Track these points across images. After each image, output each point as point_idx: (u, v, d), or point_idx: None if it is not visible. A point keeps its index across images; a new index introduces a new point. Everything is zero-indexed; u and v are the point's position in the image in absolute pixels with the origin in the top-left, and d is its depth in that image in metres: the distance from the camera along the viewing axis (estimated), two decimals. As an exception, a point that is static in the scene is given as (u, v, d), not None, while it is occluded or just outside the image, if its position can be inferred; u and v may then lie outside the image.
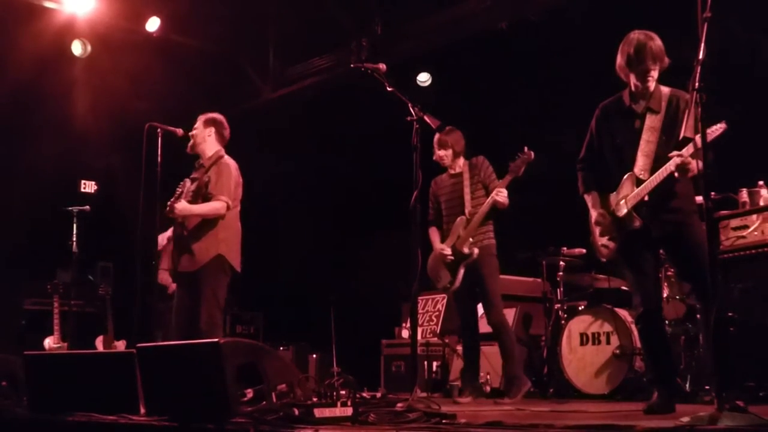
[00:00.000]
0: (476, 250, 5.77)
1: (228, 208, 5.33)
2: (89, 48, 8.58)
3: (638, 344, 6.15)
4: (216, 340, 3.48)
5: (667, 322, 6.16)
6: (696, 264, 3.92)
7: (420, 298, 7.83)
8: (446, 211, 6.05)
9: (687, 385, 5.71)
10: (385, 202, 8.01)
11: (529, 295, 7.54)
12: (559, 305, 6.86)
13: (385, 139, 7.70)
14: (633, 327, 6.22)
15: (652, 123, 4.11)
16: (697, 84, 3.27)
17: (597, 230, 4.32)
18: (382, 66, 4.64)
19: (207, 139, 5.56)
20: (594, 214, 4.34)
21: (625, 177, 4.16)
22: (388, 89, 4.53)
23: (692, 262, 4.00)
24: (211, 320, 5.15)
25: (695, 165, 3.78)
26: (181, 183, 5.48)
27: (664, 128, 4.08)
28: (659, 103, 4.12)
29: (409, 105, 4.47)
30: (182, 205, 5.25)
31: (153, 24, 8.53)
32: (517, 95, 9.32)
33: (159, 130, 5.87)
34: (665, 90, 4.17)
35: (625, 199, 4.16)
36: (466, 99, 9.08)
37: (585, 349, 6.46)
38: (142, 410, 3.60)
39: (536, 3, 7.11)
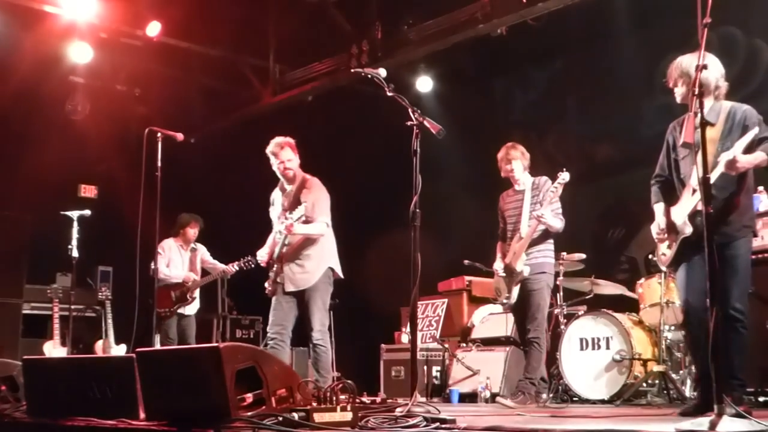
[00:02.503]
0: (527, 269, 5.86)
1: (328, 226, 5.73)
2: (90, 52, 8.58)
3: (637, 349, 6.16)
4: (216, 344, 3.47)
5: (667, 326, 6.17)
6: (725, 274, 4.02)
7: (419, 302, 7.82)
8: (510, 227, 6.10)
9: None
10: (385, 207, 8.01)
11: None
12: (558, 310, 6.86)
13: (385, 143, 7.72)
14: (632, 332, 6.23)
15: (710, 135, 4.16)
16: (696, 90, 3.29)
17: (661, 236, 4.48)
18: (382, 71, 4.66)
19: (296, 166, 5.83)
20: (660, 221, 4.49)
21: (685, 188, 4.33)
22: (388, 94, 4.54)
23: (725, 271, 4.06)
24: (323, 327, 5.65)
25: (742, 162, 4.00)
26: (273, 194, 5.87)
27: (722, 138, 4.23)
28: (717, 116, 4.25)
29: (409, 110, 4.46)
30: (299, 227, 5.59)
31: (153, 29, 8.53)
32: (518, 99, 9.34)
33: (159, 134, 5.88)
34: (726, 104, 4.33)
35: (682, 208, 4.32)
36: (465, 103, 9.10)
37: (584, 354, 6.46)
38: (142, 415, 3.59)
39: (536, 7, 7.11)
